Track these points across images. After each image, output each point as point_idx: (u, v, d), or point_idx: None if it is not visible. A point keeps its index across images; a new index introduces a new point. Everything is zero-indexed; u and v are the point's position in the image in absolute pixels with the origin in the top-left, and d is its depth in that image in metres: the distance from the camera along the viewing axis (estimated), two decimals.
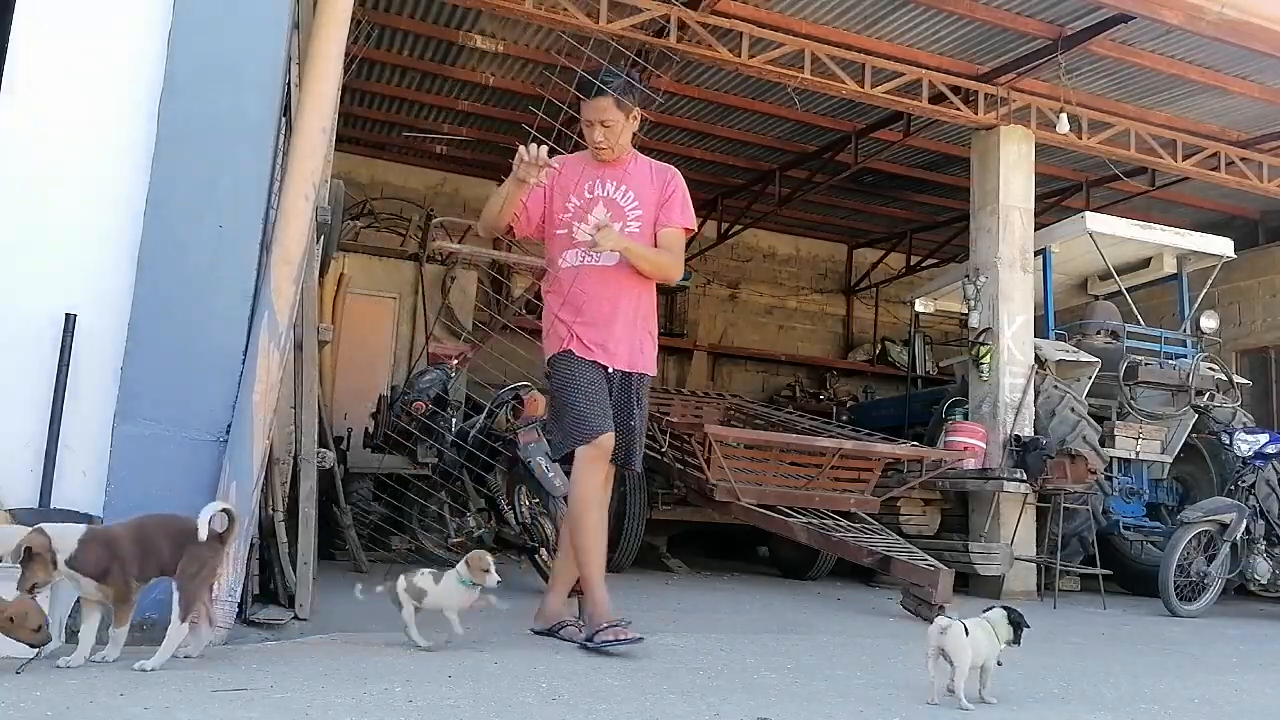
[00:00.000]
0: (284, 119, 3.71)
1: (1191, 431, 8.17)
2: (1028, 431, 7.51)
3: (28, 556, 2.61)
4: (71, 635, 2.86)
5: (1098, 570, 7.13)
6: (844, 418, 9.98)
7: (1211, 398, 8.14)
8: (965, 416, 7.92)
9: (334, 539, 6.05)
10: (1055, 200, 10.49)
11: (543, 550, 5.19)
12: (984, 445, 7.52)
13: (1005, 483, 7.23)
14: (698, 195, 4.97)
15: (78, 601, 2.82)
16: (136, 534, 2.78)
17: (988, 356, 7.70)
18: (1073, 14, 7.11)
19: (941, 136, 9.36)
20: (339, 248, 7.41)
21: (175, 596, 2.77)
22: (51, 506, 3.17)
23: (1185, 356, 8.46)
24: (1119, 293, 8.80)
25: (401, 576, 3.40)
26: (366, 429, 7.09)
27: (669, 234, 3.91)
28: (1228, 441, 7.18)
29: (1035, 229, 8.16)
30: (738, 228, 11.85)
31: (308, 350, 4.09)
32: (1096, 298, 9.28)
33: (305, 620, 3.63)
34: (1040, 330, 8.25)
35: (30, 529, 2.69)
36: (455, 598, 3.36)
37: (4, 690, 2.35)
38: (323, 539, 4.74)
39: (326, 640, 3.40)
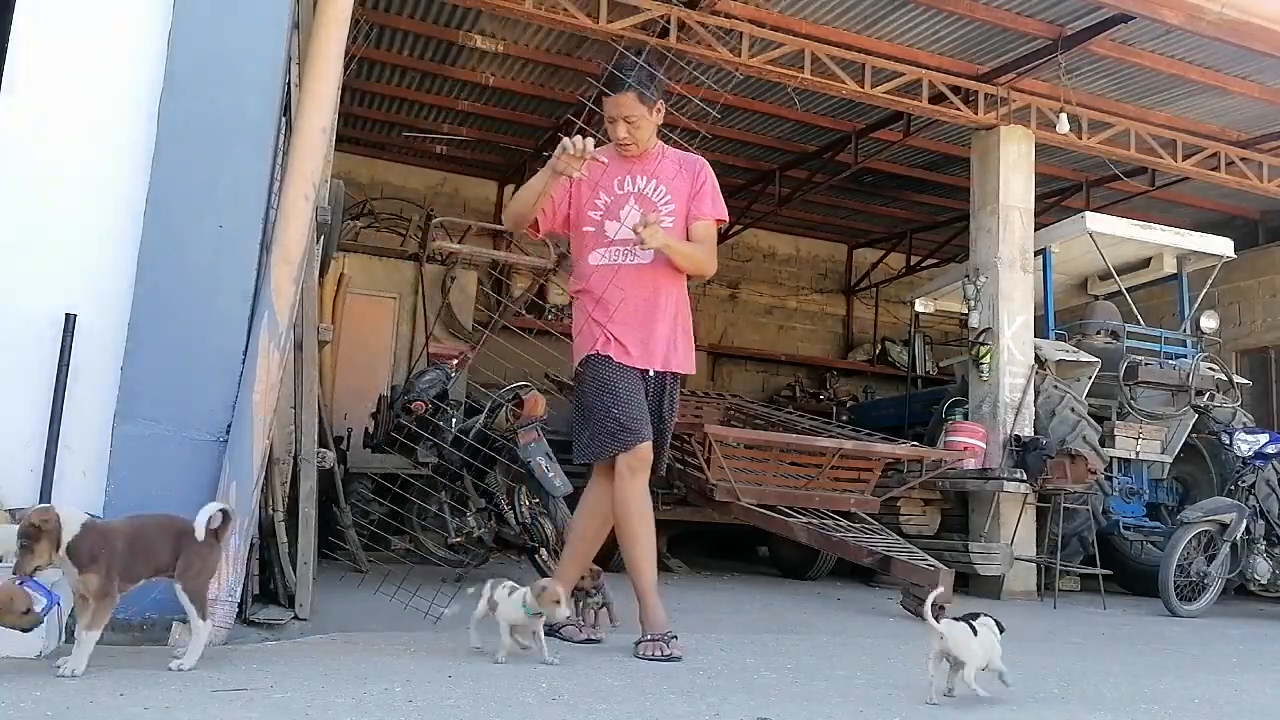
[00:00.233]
0: (284, 119, 3.71)
1: (1191, 431, 8.17)
2: (1028, 431, 7.51)
3: (35, 534, 2.53)
4: (71, 635, 2.85)
5: (1098, 570, 7.12)
6: (844, 418, 9.98)
7: (1211, 398, 8.14)
8: (965, 416, 7.92)
9: (333, 538, 6.04)
10: (1055, 200, 10.49)
11: (543, 550, 5.17)
12: (984, 445, 7.52)
13: (1005, 483, 7.23)
14: None
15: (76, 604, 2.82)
16: (133, 533, 2.75)
17: (988, 356, 7.69)
18: (1073, 14, 7.11)
19: (941, 136, 9.35)
20: (339, 248, 7.42)
21: (186, 600, 2.75)
22: None
23: (1185, 356, 8.46)
24: (1119, 293, 8.80)
25: (492, 580, 3.39)
26: (366, 429, 7.10)
27: (702, 226, 3.80)
28: (1228, 441, 7.17)
29: (1035, 229, 8.15)
30: (738, 228, 11.84)
31: (308, 350, 4.08)
32: (1096, 298, 9.28)
33: (305, 620, 3.63)
34: (1040, 330, 8.24)
35: (37, 506, 2.66)
36: (512, 616, 3.27)
37: (4, 690, 2.35)
38: (322, 539, 4.74)
39: (326, 640, 3.40)
